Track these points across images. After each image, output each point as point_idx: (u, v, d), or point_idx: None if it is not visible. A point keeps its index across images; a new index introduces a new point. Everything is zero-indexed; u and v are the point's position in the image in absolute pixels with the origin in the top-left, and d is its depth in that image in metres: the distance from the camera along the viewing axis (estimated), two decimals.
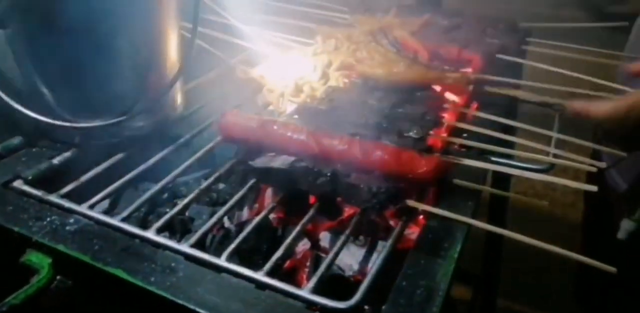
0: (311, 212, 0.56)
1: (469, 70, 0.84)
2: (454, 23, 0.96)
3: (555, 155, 0.64)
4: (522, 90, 0.79)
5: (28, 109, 0.57)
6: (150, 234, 0.51)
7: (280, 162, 0.57)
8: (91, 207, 0.54)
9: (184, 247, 0.50)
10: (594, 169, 0.59)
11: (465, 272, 1.18)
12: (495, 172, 0.66)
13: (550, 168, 0.61)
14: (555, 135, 0.66)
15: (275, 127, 0.60)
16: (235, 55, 0.82)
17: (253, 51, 0.80)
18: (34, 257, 0.51)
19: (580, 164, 0.59)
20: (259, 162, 0.58)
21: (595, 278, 0.96)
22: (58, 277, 0.50)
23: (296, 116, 0.69)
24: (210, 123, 0.68)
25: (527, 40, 0.94)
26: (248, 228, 0.54)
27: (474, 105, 0.78)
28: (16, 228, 0.50)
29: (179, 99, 0.69)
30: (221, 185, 0.67)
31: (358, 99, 0.71)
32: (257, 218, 0.56)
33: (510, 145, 0.68)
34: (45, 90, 0.59)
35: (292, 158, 0.57)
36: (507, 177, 0.89)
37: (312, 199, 0.60)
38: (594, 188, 0.57)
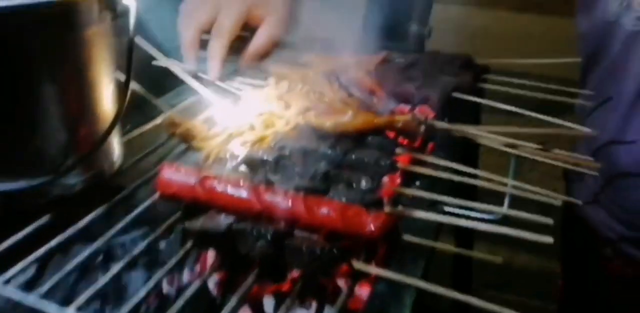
0: (251, 277, 0.52)
1: (425, 108, 0.82)
2: (410, 60, 0.95)
3: (512, 200, 0.62)
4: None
5: None
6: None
7: (217, 223, 0.53)
8: (7, 281, 0.49)
9: None
10: (549, 222, 0.56)
11: None
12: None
13: (502, 219, 0.59)
14: (510, 182, 0.64)
15: (214, 183, 0.57)
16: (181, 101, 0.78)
17: (198, 97, 0.77)
18: None
19: (536, 217, 0.57)
20: (195, 224, 0.54)
21: None
22: None
23: (242, 167, 0.66)
24: (148, 177, 0.64)
25: (484, 77, 0.93)
26: (183, 299, 0.50)
27: (429, 146, 0.76)
28: None
29: (115, 151, 0.65)
30: (162, 244, 0.63)
31: (309, 146, 0.68)
32: (194, 286, 0.51)
33: (468, 190, 0.66)
34: None
35: (230, 219, 0.53)
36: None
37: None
38: (549, 239, 0.54)
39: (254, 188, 0.55)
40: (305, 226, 0.54)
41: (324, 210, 0.53)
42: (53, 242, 0.54)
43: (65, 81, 0.56)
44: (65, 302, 0.49)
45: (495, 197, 0.64)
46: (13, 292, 0.48)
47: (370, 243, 0.53)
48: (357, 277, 0.53)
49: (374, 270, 0.51)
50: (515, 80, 0.89)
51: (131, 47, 0.59)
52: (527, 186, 0.64)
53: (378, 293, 0.49)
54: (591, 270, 0.94)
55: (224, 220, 0.53)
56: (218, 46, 0.83)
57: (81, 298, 0.49)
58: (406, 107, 0.84)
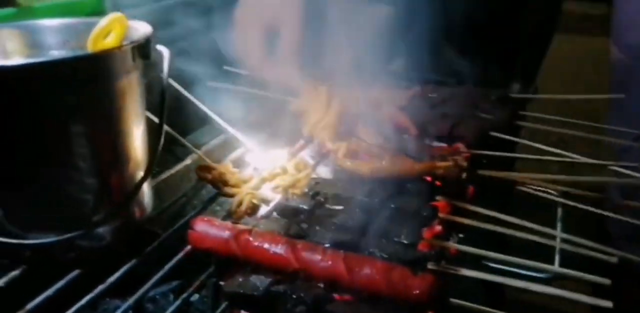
0: None
1: (461, 148, 0.79)
2: (445, 95, 0.92)
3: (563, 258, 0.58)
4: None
5: None
6: None
7: (254, 284, 0.50)
8: None
9: None
10: (606, 282, 0.53)
11: None
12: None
13: (551, 278, 0.55)
14: (560, 235, 0.60)
15: (249, 238, 0.54)
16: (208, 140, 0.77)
17: (227, 139, 0.75)
18: None
19: (591, 277, 0.53)
20: (230, 285, 0.51)
21: None
22: None
23: (275, 215, 0.64)
24: (179, 226, 0.62)
25: (520, 113, 0.89)
26: None
27: (469, 190, 0.72)
28: None
29: (146, 197, 0.63)
30: (195, 296, 0.60)
31: (345, 194, 0.66)
32: None
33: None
34: None
35: (268, 280, 0.50)
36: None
37: None
38: (608, 304, 0.51)
39: (291, 244, 0.53)
40: (346, 288, 0.51)
41: (366, 270, 0.51)
42: (83, 301, 0.52)
43: (98, 131, 0.54)
44: None
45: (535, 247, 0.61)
46: None
47: (418, 308, 0.50)
48: None
49: None
50: (554, 118, 0.86)
51: (163, 94, 0.58)
52: (579, 240, 0.60)
53: None
54: None
55: (261, 282, 0.50)
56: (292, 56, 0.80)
57: None
58: (442, 146, 0.81)
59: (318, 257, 0.52)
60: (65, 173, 0.54)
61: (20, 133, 0.50)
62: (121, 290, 0.55)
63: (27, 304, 0.51)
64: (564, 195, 0.67)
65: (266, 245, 0.53)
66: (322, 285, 0.51)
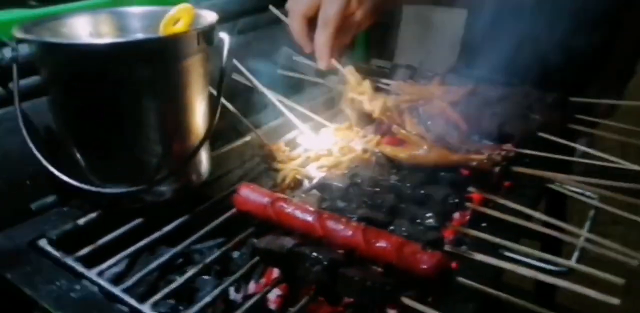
0: (308, 296, 0.55)
1: (507, 147, 0.80)
2: (500, 95, 0.93)
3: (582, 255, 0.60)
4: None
5: (63, 171, 0.63)
6: (145, 308, 0.53)
7: (281, 244, 0.57)
8: (100, 273, 0.57)
9: None
10: (620, 282, 0.54)
11: None
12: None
13: (567, 273, 0.57)
14: (584, 234, 0.61)
15: (284, 205, 0.61)
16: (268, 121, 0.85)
17: (284, 121, 0.83)
18: None
19: (606, 275, 0.54)
20: (262, 242, 0.59)
21: None
22: None
23: (314, 191, 0.70)
24: (229, 193, 0.70)
25: (577, 117, 0.89)
26: (245, 306, 0.55)
27: (505, 185, 0.74)
28: (27, 290, 0.54)
29: (204, 164, 0.72)
30: (235, 254, 0.69)
31: (380, 177, 0.71)
32: (257, 296, 0.56)
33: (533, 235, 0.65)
34: (78, 156, 0.64)
35: (293, 242, 0.57)
36: None
37: None
38: (615, 301, 0.52)
39: (319, 214, 0.59)
40: (362, 256, 0.56)
41: (381, 243, 0.56)
42: (142, 243, 0.62)
43: (165, 102, 0.63)
44: (145, 296, 0.56)
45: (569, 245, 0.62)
46: (105, 284, 0.56)
47: (423, 281, 0.54)
48: (407, 311, 0.54)
49: (422, 308, 0.52)
50: (612, 124, 0.85)
51: (222, 74, 0.66)
52: (604, 241, 0.61)
53: None
54: None
55: (287, 242, 0.57)
56: (324, 35, 0.83)
57: (158, 296, 0.55)
58: (488, 144, 0.83)
59: (340, 226, 0.58)
60: (136, 138, 0.64)
61: (104, 101, 0.60)
62: (174, 240, 0.65)
63: (98, 241, 0.62)
64: (601, 198, 0.68)
65: (297, 213, 0.60)
66: (341, 252, 0.57)
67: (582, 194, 0.68)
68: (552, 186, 0.69)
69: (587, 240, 0.61)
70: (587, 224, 0.64)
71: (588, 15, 0.95)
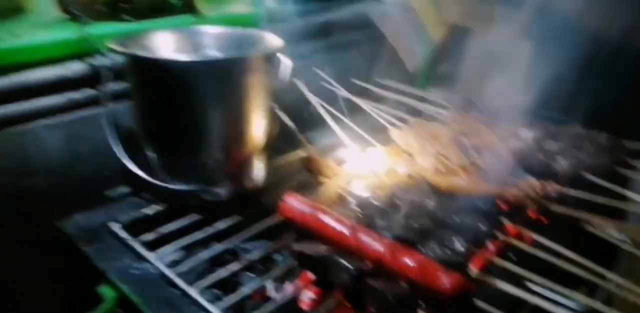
0: (336, 300, 0.61)
1: (550, 185, 0.82)
2: (549, 132, 0.94)
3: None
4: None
5: (137, 166, 0.72)
6: (192, 291, 0.61)
7: (316, 249, 0.63)
8: (159, 257, 0.66)
9: (215, 309, 0.59)
10: None
11: None
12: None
13: (583, 311, 0.58)
14: (612, 277, 0.62)
15: (323, 216, 0.67)
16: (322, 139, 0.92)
17: (338, 140, 0.89)
18: (106, 289, 0.63)
19: None
20: (300, 246, 0.65)
21: None
22: (118, 310, 0.62)
23: (354, 207, 0.76)
24: (276, 200, 0.77)
25: (631, 163, 0.88)
26: (278, 302, 0.61)
27: (541, 220, 0.76)
28: (99, 264, 0.64)
29: (257, 173, 0.79)
30: (277, 256, 0.75)
31: (419, 201, 0.75)
32: (291, 295, 0.62)
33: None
34: (151, 155, 0.74)
35: (327, 249, 0.63)
36: None
37: None
38: None
39: (353, 227, 0.65)
40: (387, 270, 0.61)
41: (407, 259, 0.60)
42: (197, 236, 0.70)
43: (227, 113, 0.72)
44: (194, 282, 0.64)
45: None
46: (162, 266, 0.64)
47: (441, 300, 0.58)
48: None
49: None
50: None
51: (282, 93, 0.75)
52: (631, 285, 0.62)
53: None
54: None
55: (322, 249, 0.63)
56: None
57: (206, 283, 0.63)
58: (532, 180, 0.85)
59: (371, 241, 0.63)
60: (202, 144, 0.73)
61: (178, 108, 0.69)
62: (224, 237, 0.73)
63: (160, 229, 0.71)
64: (634, 243, 0.69)
65: (333, 223, 0.66)
66: (369, 264, 0.62)
67: (616, 238, 0.69)
68: (593, 230, 0.70)
69: (614, 282, 0.62)
70: (622, 267, 0.65)
71: None
